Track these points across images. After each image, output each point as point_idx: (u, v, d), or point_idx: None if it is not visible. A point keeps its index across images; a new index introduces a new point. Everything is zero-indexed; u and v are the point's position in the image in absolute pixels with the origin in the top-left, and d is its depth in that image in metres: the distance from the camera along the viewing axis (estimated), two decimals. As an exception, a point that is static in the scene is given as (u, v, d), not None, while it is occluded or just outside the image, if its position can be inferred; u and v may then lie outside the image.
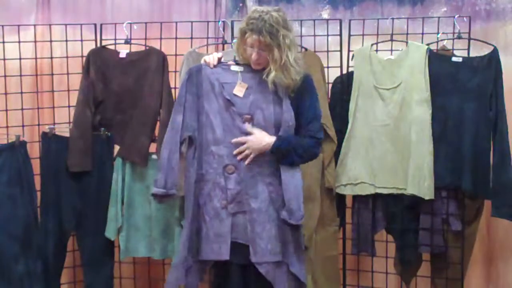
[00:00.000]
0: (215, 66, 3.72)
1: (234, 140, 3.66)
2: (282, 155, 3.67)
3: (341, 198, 4.82)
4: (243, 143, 3.66)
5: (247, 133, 3.66)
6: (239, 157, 3.66)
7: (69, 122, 4.80)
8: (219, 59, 3.74)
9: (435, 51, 4.67)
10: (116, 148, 4.70)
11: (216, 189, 3.69)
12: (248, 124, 3.67)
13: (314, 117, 3.77)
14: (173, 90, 4.71)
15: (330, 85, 4.88)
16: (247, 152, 3.66)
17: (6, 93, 4.84)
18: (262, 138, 3.66)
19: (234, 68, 3.72)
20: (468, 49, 4.65)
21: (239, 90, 3.69)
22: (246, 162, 3.66)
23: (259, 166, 3.68)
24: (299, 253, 3.75)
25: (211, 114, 3.69)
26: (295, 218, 3.68)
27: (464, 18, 4.69)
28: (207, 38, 4.90)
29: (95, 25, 4.88)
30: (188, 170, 3.72)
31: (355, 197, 4.80)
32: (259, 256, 3.65)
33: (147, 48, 4.75)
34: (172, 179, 3.71)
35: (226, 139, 3.68)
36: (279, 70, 3.63)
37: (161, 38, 4.85)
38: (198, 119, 3.71)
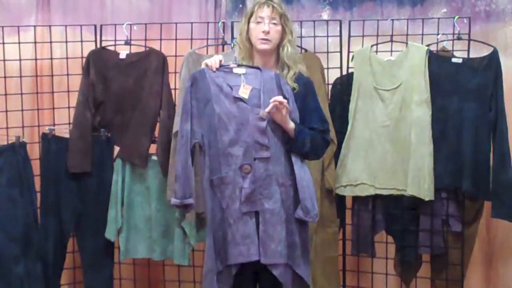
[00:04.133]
0: (217, 69, 3.68)
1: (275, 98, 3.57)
2: (299, 142, 3.65)
3: (341, 199, 4.81)
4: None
5: (262, 130, 3.59)
6: (274, 99, 3.55)
7: (69, 123, 4.80)
8: (220, 62, 3.69)
9: (435, 52, 4.66)
10: (116, 149, 4.69)
11: (236, 191, 3.62)
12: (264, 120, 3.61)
13: (323, 120, 3.79)
14: (173, 91, 4.71)
15: (330, 86, 4.89)
16: (285, 105, 3.56)
17: (6, 94, 4.84)
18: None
19: (237, 70, 3.67)
20: (468, 50, 4.64)
21: (243, 93, 3.64)
22: (269, 109, 3.56)
23: (274, 165, 3.63)
24: (305, 255, 3.72)
25: (223, 116, 3.62)
26: (311, 216, 3.66)
27: (464, 19, 4.67)
28: (207, 39, 4.89)
29: (95, 26, 4.89)
30: (202, 178, 3.68)
31: (355, 198, 4.80)
32: (269, 257, 3.61)
33: (147, 49, 4.74)
34: (189, 188, 3.66)
35: (241, 139, 3.61)
36: (291, 44, 3.71)
37: (161, 39, 4.85)
38: (209, 124, 3.64)
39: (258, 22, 3.72)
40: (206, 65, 3.69)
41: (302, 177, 3.66)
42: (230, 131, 3.61)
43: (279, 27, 3.72)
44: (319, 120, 3.76)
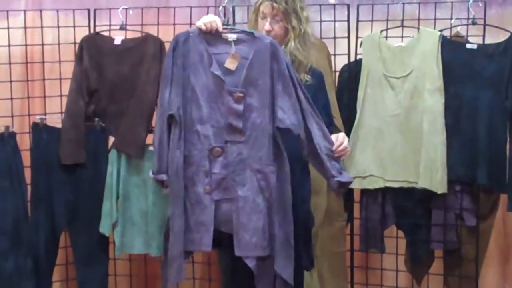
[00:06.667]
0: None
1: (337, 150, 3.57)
2: None
3: (348, 192, 4.71)
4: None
5: (238, 113, 3.44)
6: (341, 152, 3.59)
7: (61, 112, 4.70)
8: (218, 29, 3.46)
9: (448, 37, 4.56)
10: (111, 139, 4.62)
11: (200, 173, 3.46)
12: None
13: (329, 115, 3.76)
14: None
15: (337, 74, 4.81)
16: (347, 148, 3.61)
17: (-5, 82, 4.73)
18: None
19: (227, 35, 3.47)
20: (483, 36, 4.53)
21: (231, 63, 3.44)
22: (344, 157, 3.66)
23: (249, 149, 3.46)
24: (286, 251, 3.52)
25: (197, 89, 3.45)
26: (344, 177, 3.59)
27: (479, 3, 4.57)
28: None
29: (88, 10, 4.77)
30: (173, 152, 3.47)
31: (364, 191, 4.71)
32: (242, 250, 3.47)
33: (144, 34, 4.66)
34: (163, 163, 3.52)
35: (213, 118, 3.45)
36: (297, 40, 3.59)
37: (158, 24, 4.75)
38: (182, 95, 3.47)
39: (262, 18, 3.64)
40: (201, 27, 3.48)
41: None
42: (202, 107, 3.45)
43: (282, 24, 3.63)
44: (326, 115, 3.70)
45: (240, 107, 3.44)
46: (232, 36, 3.46)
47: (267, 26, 3.61)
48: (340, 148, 3.58)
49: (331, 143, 3.55)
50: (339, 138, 3.59)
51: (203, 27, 3.46)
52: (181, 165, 3.46)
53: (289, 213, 3.52)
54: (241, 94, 3.43)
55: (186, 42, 3.47)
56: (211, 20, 3.47)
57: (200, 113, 3.45)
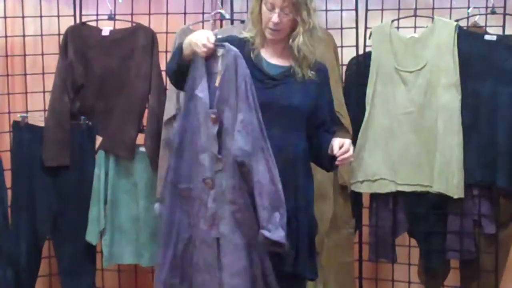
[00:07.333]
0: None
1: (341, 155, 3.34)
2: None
3: (357, 196, 4.60)
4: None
5: (213, 136, 3.23)
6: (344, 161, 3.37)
7: (44, 110, 4.62)
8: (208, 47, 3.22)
9: (465, 28, 4.41)
10: (99, 139, 4.54)
11: (202, 208, 3.27)
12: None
13: (333, 112, 3.62)
14: (163, 73, 4.48)
15: (344, 67, 4.69)
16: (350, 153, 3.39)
17: (-29, 77, 4.60)
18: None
19: (218, 50, 3.25)
20: (503, 26, 4.37)
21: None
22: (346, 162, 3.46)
23: (226, 179, 3.23)
24: None
25: (200, 116, 3.28)
26: (275, 234, 3.18)
27: (499, -10, 4.46)
28: (203, 13, 4.66)
29: None
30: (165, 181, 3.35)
31: (373, 196, 4.57)
32: None
33: (134, 25, 4.57)
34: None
35: (208, 146, 3.24)
36: (306, 34, 3.37)
37: (150, 14, 4.65)
38: (188, 120, 3.28)
39: (270, 9, 3.42)
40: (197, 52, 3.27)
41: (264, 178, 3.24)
42: (201, 135, 3.25)
43: (290, 16, 3.41)
44: (330, 113, 3.56)
45: (214, 129, 3.24)
46: (220, 50, 3.25)
47: (275, 18, 3.39)
48: (345, 155, 3.37)
49: (277, 190, 3.23)
50: (345, 145, 3.38)
51: (203, 54, 3.25)
52: (173, 194, 3.30)
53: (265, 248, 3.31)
54: (213, 115, 3.22)
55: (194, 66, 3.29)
56: (200, 42, 3.23)
57: (200, 141, 3.28)
